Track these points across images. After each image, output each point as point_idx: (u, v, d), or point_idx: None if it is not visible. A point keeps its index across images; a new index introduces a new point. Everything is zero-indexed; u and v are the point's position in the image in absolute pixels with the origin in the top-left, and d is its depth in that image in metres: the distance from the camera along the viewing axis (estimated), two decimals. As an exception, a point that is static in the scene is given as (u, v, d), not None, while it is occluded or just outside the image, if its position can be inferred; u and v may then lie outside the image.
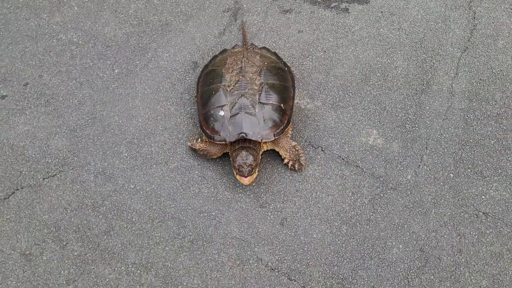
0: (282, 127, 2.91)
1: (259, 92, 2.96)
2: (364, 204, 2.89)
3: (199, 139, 3.04)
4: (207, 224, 2.83)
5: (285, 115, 2.95)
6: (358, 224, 2.82)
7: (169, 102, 3.35)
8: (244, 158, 2.76)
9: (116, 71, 3.49)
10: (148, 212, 2.87)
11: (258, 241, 2.77)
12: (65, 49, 3.59)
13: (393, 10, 3.84)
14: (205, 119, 2.97)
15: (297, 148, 2.96)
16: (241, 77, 3.03)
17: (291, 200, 2.92)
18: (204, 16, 3.80)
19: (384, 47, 3.62)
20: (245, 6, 3.87)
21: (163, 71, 3.49)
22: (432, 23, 3.74)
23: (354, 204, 2.89)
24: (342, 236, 2.78)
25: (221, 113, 2.91)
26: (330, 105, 3.33)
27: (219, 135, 2.87)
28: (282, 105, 2.96)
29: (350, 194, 2.93)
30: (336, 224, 2.83)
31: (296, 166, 2.98)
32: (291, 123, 3.06)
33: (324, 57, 3.58)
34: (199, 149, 2.99)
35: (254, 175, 2.81)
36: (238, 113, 2.86)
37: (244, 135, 2.80)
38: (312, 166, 3.05)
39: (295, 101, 3.30)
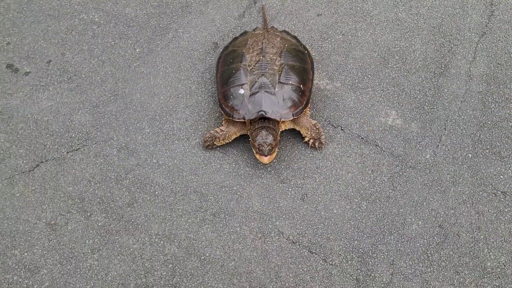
0: (301, 107, 2.95)
1: (279, 72, 2.99)
2: (383, 181, 2.93)
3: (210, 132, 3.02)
4: (229, 198, 2.87)
5: (304, 95, 2.99)
6: (377, 200, 2.86)
7: (190, 81, 3.39)
8: (264, 137, 2.80)
9: (137, 50, 3.54)
10: (170, 186, 2.91)
11: (279, 215, 2.81)
12: (87, 28, 3.64)
13: (411, -5, 3.87)
14: (224, 97, 3.00)
15: (317, 127, 3.00)
16: (261, 57, 3.06)
17: (311, 176, 2.96)
18: (224, -1, 3.84)
19: (403, 31, 3.65)
20: (264, -11, 3.91)
21: (184, 51, 3.54)
22: (449, 9, 3.77)
23: (374, 182, 2.93)
24: (362, 212, 2.82)
25: (241, 91, 2.95)
26: (349, 86, 3.36)
27: (238, 113, 2.90)
28: (301, 86, 2.99)
29: (370, 172, 2.97)
30: (356, 200, 2.86)
31: (317, 144, 3.02)
32: (309, 104, 3.10)
33: (343, 40, 3.62)
34: (209, 137, 2.98)
35: (274, 154, 2.85)
36: (257, 92, 2.90)
37: (263, 113, 2.84)
38: (332, 144, 3.09)
39: (315, 82, 3.34)
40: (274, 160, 2.99)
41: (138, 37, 3.60)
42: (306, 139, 3.04)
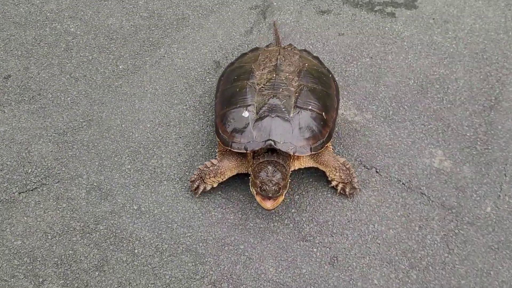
0: (322, 140, 2.28)
1: (296, 94, 2.35)
2: (435, 242, 2.24)
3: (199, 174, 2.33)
4: (234, 260, 2.14)
5: (326, 126, 2.33)
6: (430, 268, 2.16)
7: (185, 105, 2.71)
8: (270, 174, 2.12)
9: (120, 67, 2.87)
10: (155, 242, 2.18)
11: (301, 285, 2.08)
12: (59, 40, 2.97)
13: (446, 17, 3.31)
14: (222, 121, 2.32)
15: (347, 166, 2.32)
16: (274, 75, 2.41)
17: (342, 233, 2.25)
18: (227, 12, 3.23)
19: (440, 56, 3.05)
20: (275, 4, 3.31)
21: (178, 70, 2.88)
22: (492, 34, 3.21)
23: (423, 242, 2.23)
24: (412, 284, 2.11)
25: (245, 113, 2.28)
26: (382, 119, 2.72)
27: (239, 142, 2.21)
28: (323, 114, 2.34)
29: (417, 228, 2.28)
30: (403, 267, 2.16)
31: (347, 189, 2.34)
32: (332, 138, 2.44)
33: (371, 64, 3.00)
34: (197, 174, 2.30)
35: (280, 199, 2.16)
36: (266, 116, 2.23)
37: (272, 143, 2.16)
38: (366, 191, 2.40)
39: (340, 112, 2.69)
40: (293, 210, 2.29)
41: (122, 51, 2.94)
42: (334, 183, 2.35)
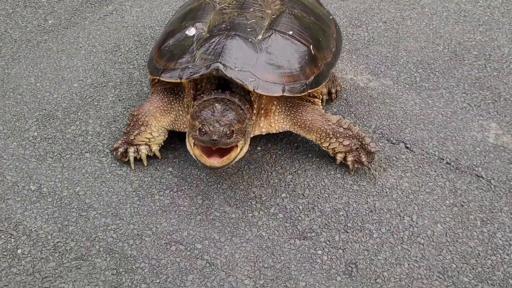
0: (303, 82, 1.50)
1: (274, 16, 1.62)
2: (509, 242, 1.39)
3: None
4: (185, 267, 1.28)
5: (314, 65, 1.56)
6: (505, 283, 1.30)
7: (132, 65, 1.94)
8: (218, 112, 1.35)
9: (50, 22, 2.12)
10: (55, 238, 1.32)
11: (298, 309, 1.21)
12: (-25, -7, 2.24)
13: (473, -12, 2.65)
14: (159, 47, 1.61)
15: (347, 126, 1.52)
16: (243, 2, 1.68)
17: (363, 227, 1.41)
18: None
19: (474, 24, 2.35)
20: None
21: (129, 28, 2.14)
22: (533, 4, 2.53)
23: (492, 242, 1.39)
24: (486, 307, 1.24)
25: (190, 31, 1.55)
26: (407, 85, 1.96)
27: (172, 68, 1.48)
28: (311, 47, 1.58)
29: (479, 223, 1.44)
30: (466, 279, 1.29)
31: (364, 158, 1.53)
32: (336, 101, 1.67)
33: (386, 29, 2.29)
34: (118, 145, 1.56)
35: (233, 153, 1.36)
36: (221, 34, 1.49)
37: (220, 66, 1.39)
38: (393, 171, 1.59)
39: (349, 77, 1.92)
40: (284, 195, 1.47)
41: (55, 7, 2.20)
42: (339, 156, 1.56)
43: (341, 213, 1.46)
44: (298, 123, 1.54)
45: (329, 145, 1.53)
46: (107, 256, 1.29)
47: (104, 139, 1.62)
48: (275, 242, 1.37)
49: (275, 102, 1.53)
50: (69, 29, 2.10)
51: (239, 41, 1.46)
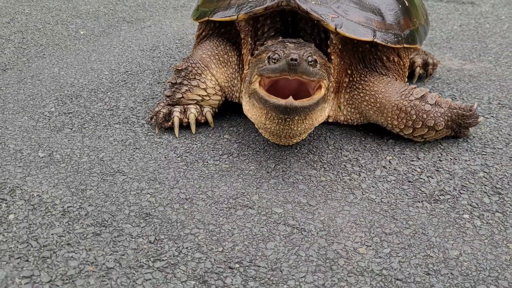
0: (397, 33, 1.14)
1: None
2: None
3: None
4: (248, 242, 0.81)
5: (409, 17, 1.21)
6: None
7: (174, 58, 1.63)
8: (293, 47, 0.99)
9: (82, 32, 1.88)
10: (67, 202, 0.89)
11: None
12: None
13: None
14: None
15: (441, 105, 1.09)
16: None
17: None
18: None
19: None
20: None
21: (169, 34, 1.89)
22: None
23: None
24: None
25: None
26: (511, 67, 1.58)
27: (227, 5, 1.16)
28: (405, 0, 1.24)
29: None
30: None
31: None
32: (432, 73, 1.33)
33: (463, 30, 1.97)
34: (159, 105, 1.18)
35: (317, 95, 0.95)
36: None
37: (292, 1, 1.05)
38: (534, 134, 1.15)
39: (434, 61, 1.55)
40: (390, 157, 1.03)
41: (88, 23, 1.99)
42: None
43: (481, 174, 0.99)
44: (366, 100, 1.11)
45: (413, 131, 1.08)
46: (141, 221, 0.84)
47: (139, 113, 1.24)
48: (393, 205, 0.90)
49: (349, 72, 1.15)
50: (102, 37, 1.85)
51: None
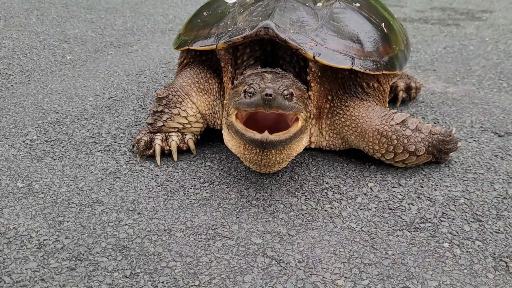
0: (376, 60, 1.14)
1: None
2: None
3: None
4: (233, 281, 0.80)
5: (387, 44, 1.21)
6: None
7: (159, 83, 1.64)
8: (269, 79, 0.99)
9: (68, 57, 1.89)
10: (39, 233, 0.87)
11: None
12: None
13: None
14: (188, 21, 1.32)
15: (421, 130, 1.09)
16: None
17: (501, 216, 0.94)
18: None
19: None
20: None
21: (156, 58, 1.90)
22: None
23: None
24: None
25: None
26: (495, 89, 1.59)
27: (206, 35, 1.17)
28: (383, 25, 1.25)
29: None
30: None
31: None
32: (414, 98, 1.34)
33: (447, 52, 1.99)
34: (142, 132, 1.17)
35: (294, 128, 0.94)
36: None
37: (271, 24, 1.05)
38: (515, 158, 1.15)
39: (417, 85, 1.56)
40: (372, 184, 1.03)
41: (75, 48, 1.99)
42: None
43: (461, 201, 0.99)
44: (348, 125, 1.11)
45: (394, 156, 1.08)
46: (118, 254, 0.83)
47: (121, 140, 1.24)
48: (373, 234, 0.89)
49: (329, 98, 1.16)
50: (88, 62, 1.85)
51: (294, 4, 1.15)
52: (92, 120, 1.35)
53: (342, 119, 1.13)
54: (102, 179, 1.06)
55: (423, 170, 1.11)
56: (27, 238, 0.87)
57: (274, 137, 0.90)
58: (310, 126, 1.12)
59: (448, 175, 1.09)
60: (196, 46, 1.16)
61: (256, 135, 0.89)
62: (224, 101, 1.13)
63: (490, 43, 2.15)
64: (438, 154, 1.10)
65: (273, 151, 0.92)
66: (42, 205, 0.96)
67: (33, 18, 2.44)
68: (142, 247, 0.85)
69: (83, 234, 0.88)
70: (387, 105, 1.29)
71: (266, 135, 0.89)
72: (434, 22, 2.56)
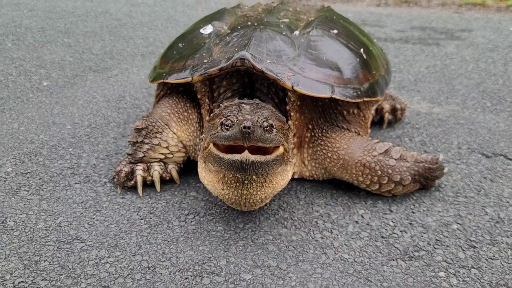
0: (357, 87, 1.12)
1: (312, 19, 1.28)
2: None
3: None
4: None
5: (368, 70, 1.19)
6: None
7: (140, 109, 1.59)
8: (247, 111, 0.95)
9: (45, 84, 1.84)
10: (16, 276, 0.81)
11: None
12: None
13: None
14: (164, 54, 1.28)
15: (406, 159, 1.07)
16: (273, 8, 1.41)
17: (495, 241, 0.91)
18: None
19: (525, 65, 2.08)
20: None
21: (137, 83, 1.85)
22: None
23: None
24: None
25: (207, 29, 1.24)
26: (479, 109, 1.59)
27: (181, 67, 1.14)
28: (361, 51, 1.24)
29: None
30: None
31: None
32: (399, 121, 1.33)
33: (430, 72, 2.00)
34: (122, 163, 1.13)
35: (276, 153, 0.89)
36: (246, 28, 1.17)
37: (247, 55, 1.03)
38: (504, 181, 1.14)
39: (402, 106, 1.55)
40: (363, 211, 1.00)
41: (52, 73, 1.94)
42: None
43: (454, 226, 0.97)
44: (329, 157, 1.08)
45: (380, 187, 1.05)
46: (98, 296, 0.78)
47: (101, 170, 1.19)
48: (367, 265, 0.86)
49: (310, 127, 1.14)
50: (66, 88, 1.80)
51: (270, 34, 1.12)
52: (70, 149, 1.30)
53: (324, 151, 1.10)
54: (82, 213, 1.01)
55: (414, 195, 1.09)
56: (1, 281, 0.81)
57: (255, 157, 0.85)
58: (293, 157, 1.09)
59: (439, 199, 1.07)
60: (172, 79, 1.12)
61: (236, 156, 0.84)
62: (201, 135, 1.10)
63: (471, 62, 2.17)
64: (425, 181, 1.08)
65: (253, 183, 0.87)
66: (17, 244, 0.91)
67: (9, 43, 2.39)
68: (124, 287, 0.80)
69: (62, 274, 0.83)
70: (369, 130, 1.26)
71: (246, 154, 0.84)
72: (415, 42, 2.59)
